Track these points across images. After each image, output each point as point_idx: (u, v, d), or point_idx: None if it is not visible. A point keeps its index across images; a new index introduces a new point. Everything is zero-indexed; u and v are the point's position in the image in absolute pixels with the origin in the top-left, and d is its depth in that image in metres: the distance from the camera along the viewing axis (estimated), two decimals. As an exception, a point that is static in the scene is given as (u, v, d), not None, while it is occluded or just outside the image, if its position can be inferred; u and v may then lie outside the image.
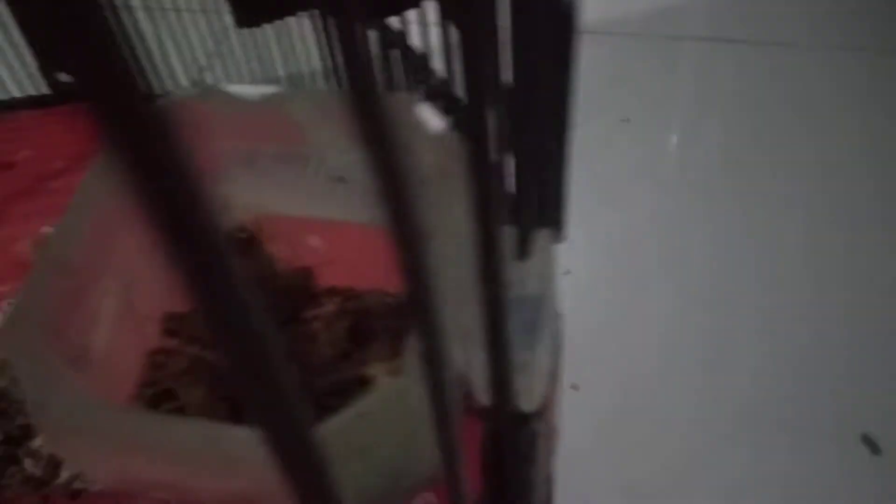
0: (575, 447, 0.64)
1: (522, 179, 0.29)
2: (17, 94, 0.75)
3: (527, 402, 0.29)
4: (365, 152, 0.16)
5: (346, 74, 0.15)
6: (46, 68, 0.74)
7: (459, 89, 0.54)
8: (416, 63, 0.57)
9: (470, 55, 0.19)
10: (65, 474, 0.47)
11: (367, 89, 0.15)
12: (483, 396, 0.27)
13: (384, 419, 0.29)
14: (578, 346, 0.54)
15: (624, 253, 0.82)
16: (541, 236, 0.31)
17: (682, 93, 1.01)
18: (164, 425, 0.31)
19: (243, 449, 0.28)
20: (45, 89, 0.75)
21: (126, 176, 0.10)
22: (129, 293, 0.41)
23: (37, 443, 0.48)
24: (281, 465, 0.16)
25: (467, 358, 0.28)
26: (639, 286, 0.80)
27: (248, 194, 0.43)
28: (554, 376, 0.34)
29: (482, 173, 0.20)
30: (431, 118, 0.36)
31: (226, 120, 0.40)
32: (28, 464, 0.48)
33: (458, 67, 0.52)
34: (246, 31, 0.67)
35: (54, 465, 0.47)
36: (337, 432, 0.28)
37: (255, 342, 0.13)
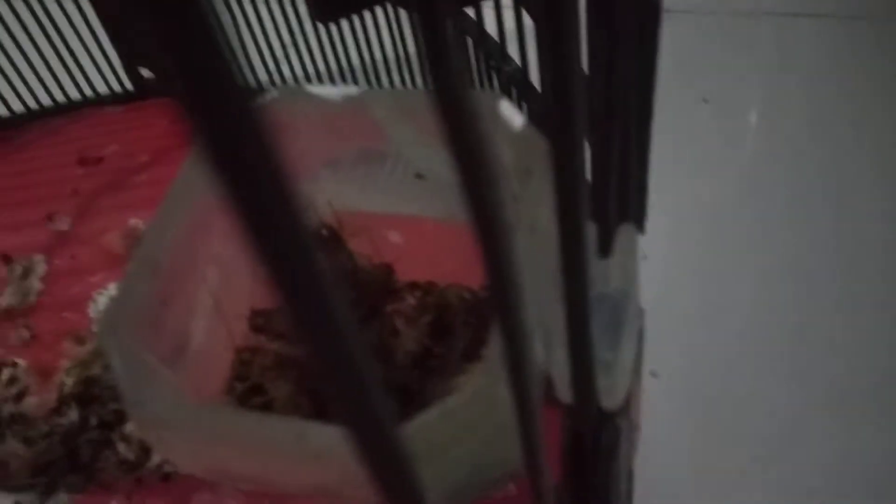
0: (654, 434, 0.63)
1: (603, 172, 0.28)
2: (103, 90, 0.78)
3: (609, 400, 0.29)
4: (449, 149, 0.16)
5: (430, 72, 0.15)
6: (130, 65, 0.76)
7: (536, 77, 0.54)
8: (491, 51, 0.57)
9: (555, 51, 0.18)
10: (156, 458, 0.49)
11: (451, 86, 0.15)
12: (565, 394, 0.27)
13: (468, 417, 0.29)
14: (657, 332, 0.53)
15: (703, 235, 0.81)
16: (622, 231, 0.31)
17: (762, 71, 0.98)
18: (253, 423, 0.31)
19: (329, 445, 0.29)
20: (129, 85, 0.78)
21: (216, 174, 0.10)
22: (220, 290, 0.42)
23: (129, 427, 0.50)
24: (365, 462, 0.16)
25: (549, 356, 0.28)
26: (718, 269, 0.78)
27: (330, 192, 0.44)
28: (636, 373, 0.33)
29: (568, 169, 0.20)
30: (514, 114, 0.35)
31: (309, 121, 0.41)
32: (121, 447, 0.50)
33: (532, 54, 0.51)
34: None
35: (146, 449, 0.49)
36: (422, 430, 0.28)
37: (339, 339, 0.13)
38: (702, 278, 0.77)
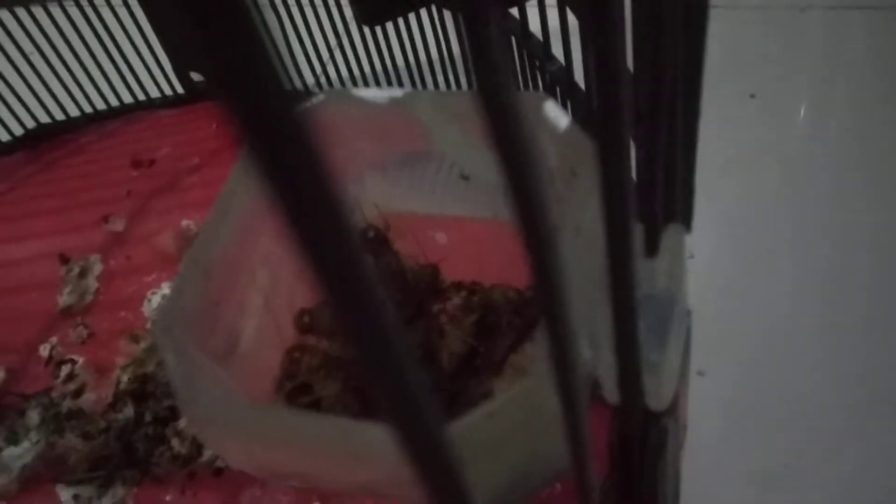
0: (700, 434, 0.62)
1: (649, 171, 0.28)
2: (155, 94, 0.80)
3: (656, 401, 0.28)
4: (494, 149, 0.16)
5: (474, 72, 0.15)
6: (181, 69, 0.78)
7: (580, 76, 0.53)
8: (535, 50, 0.56)
9: (600, 50, 0.18)
10: (208, 453, 0.50)
11: (496, 87, 0.15)
12: (612, 395, 0.27)
13: (514, 417, 0.29)
14: (704, 331, 0.53)
15: (749, 233, 0.79)
16: (669, 230, 0.30)
17: (810, 65, 0.96)
18: (301, 422, 0.32)
19: (376, 445, 0.29)
20: (180, 89, 0.79)
21: (263, 177, 0.11)
22: (271, 291, 0.43)
23: (182, 423, 0.51)
24: (412, 462, 0.16)
25: (596, 356, 0.28)
26: (765, 268, 0.76)
27: (376, 194, 0.44)
28: (683, 374, 0.33)
29: (614, 169, 0.20)
30: (559, 114, 0.35)
31: (355, 124, 0.41)
32: (175, 443, 0.51)
33: (577, 54, 0.51)
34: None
35: (198, 444, 0.50)
36: (467, 432, 0.28)
37: (386, 340, 0.13)
38: (749, 276, 0.76)
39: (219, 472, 0.49)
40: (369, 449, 0.29)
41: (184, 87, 0.79)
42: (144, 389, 0.54)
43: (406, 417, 0.15)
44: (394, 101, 0.42)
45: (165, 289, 0.61)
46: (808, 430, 0.66)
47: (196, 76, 0.78)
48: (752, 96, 0.92)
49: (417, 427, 0.15)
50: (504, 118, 0.15)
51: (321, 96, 0.43)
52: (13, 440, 0.53)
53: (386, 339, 0.13)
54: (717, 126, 0.82)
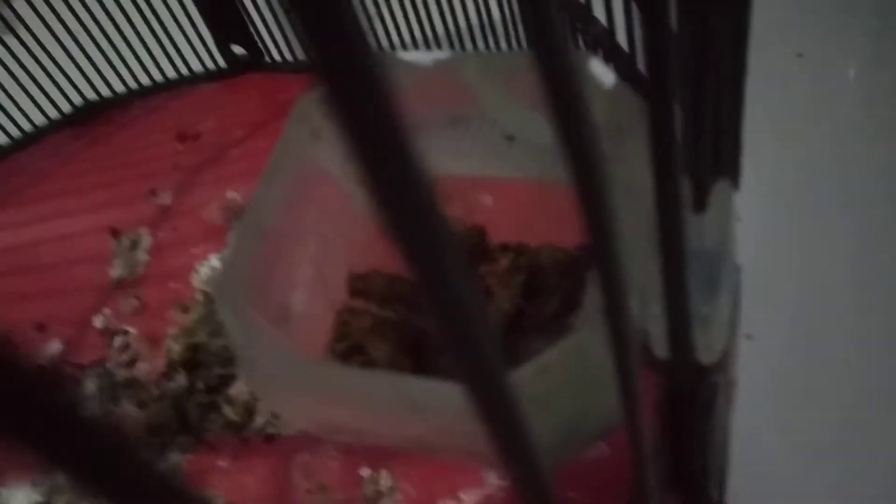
0: (747, 397, 0.63)
1: (697, 127, 0.28)
2: (197, 68, 0.81)
3: (707, 354, 0.29)
4: (549, 107, 0.16)
5: (529, 30, 0.15)
6: (223, 43, 0.79)
7: (622, 37, 0.53)
8: (577, 12, 0.56)
9: (648, 10, 0.19)
10: (259, 420, 0.51)
11: (552, 44, 0.15)
12: (662, 350, 0.27)
13: (564, 373, 0.29)
14: (752, 295, 0.53)
15: (799, 196, 0.78)
16: (717, 186, 0.30)
17: (861, 24, 0.93)
18: (357, 377, 0.33)
19: (427, 398, 0.30)
20: (222, 63, 0.80)
21: (346, 134, 0.11)
22: (320, 256, 0.43)
23: (233, 390, 0.53)
24: (481, 414, 0.17)
25: (645, 312, 0.28)
26: (815, 231, 0.76)
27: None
28: (733, 328, 0.33)
29: (662, 125, 0.20)
30: (604, 72, 0.35)
31: (400, 87, 0.41)
32: (227, 410, 0.52)
33: (619, 15, 0.51)
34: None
35: (250, 411, 0.52)
36: (519, 386, 0.29)
37: (461, 291, 0.14)
38: (797, 240, 0.75)
39: (270, 438, 0.50)
40: (425, 402, 0.30)
41: (226, 60, 0.80)
42: (195, 359, 0.55)
43: (478, 369, 0.16)
44: (437, 64, 0.42)
45: (213, 260, 0.62)
46: (857, 397, 0.65)
47: (237, 49, 0.79)
48: (800, 55, 0.90)
49: (488, 379, 0.16)
50: (560, 75, 0.16)
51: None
52: (73, 408, 0.55)
53: (461, 289, 0.14)
54: (764, 86, 0.81)
